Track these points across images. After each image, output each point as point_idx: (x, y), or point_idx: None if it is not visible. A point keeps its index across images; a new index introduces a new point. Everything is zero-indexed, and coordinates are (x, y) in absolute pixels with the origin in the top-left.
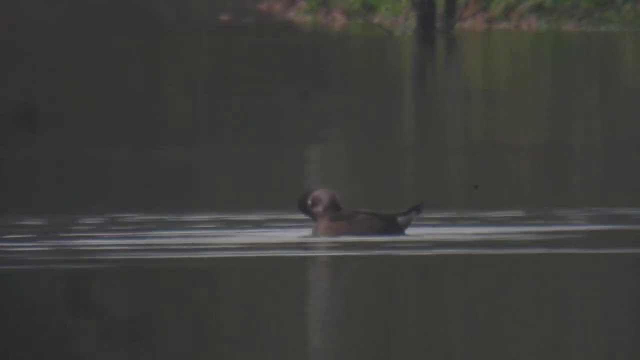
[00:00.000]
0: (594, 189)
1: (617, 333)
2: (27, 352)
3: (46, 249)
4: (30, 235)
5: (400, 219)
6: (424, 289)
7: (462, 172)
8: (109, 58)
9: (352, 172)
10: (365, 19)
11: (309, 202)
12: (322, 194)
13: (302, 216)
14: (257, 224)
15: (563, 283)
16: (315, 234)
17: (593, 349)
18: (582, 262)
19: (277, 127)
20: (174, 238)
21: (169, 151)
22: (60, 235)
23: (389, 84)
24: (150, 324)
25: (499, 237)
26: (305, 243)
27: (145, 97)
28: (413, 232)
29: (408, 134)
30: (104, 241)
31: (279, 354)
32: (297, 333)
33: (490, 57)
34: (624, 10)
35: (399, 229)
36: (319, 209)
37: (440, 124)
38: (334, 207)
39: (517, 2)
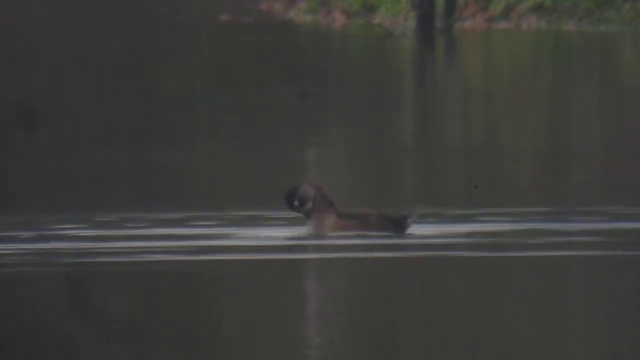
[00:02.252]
0: (594, 189)
1: (618, 335)
2: (28, 353)
3: (45, 250)
4: (29, 235)
5: (408, 220)
6: (424, 291)
7: (462, 172)
8: (109, 58)
9: (352, 172)
10: (365, 19)
11: (296, 203)
12: (307, 190)
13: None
14: (257, 225)
15: (563, 285)
16: (320, 231)
17: (594, 352)
18: (583, 263)
19: (276, 127)
20: (174, 240)
21: (168, 151)
22: (60, 236)
23: (388, 84)
24: (150, 325)
25: (499, 238)
26: (302, 245)
27: (144, 97)
28: (416, 233)
29: (408, 133)
30: (103, 243)
31: (278, 355)
32: (298, 334)
33: (490, 57)
34: (624, 10)
35: (404, 231)
36: (309, 205)
37: (440, 124)
38: (324, 200)
39: (517, 1)
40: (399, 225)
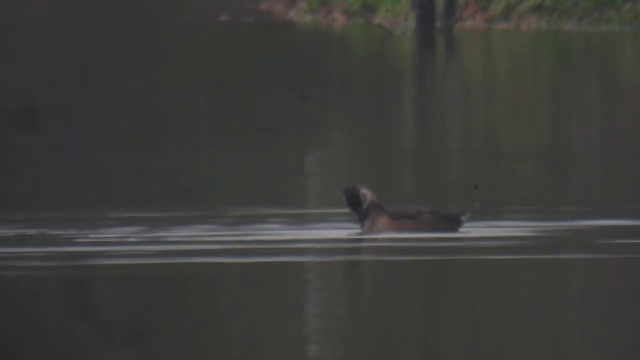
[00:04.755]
0: (594, 190)
1: (617, 337)
2: (28, 354)
3: (46, 252)
4: (29, 235)
5: (463, 218)
6: (427, 293)
7: (462, 172)
8: (109, 58)
9: (352, 172)
10: (365, 19)
11: (362, 197)
12: (368, 194)
13: (290, 214)
14: (260, 225)
15: (563, 286)
16: (374, 231)
17: (594, 354)
18: (583, 264)
19: (276, 128)
20: (181, 243)
21: (168, 152)
22: (60, 236)
23: (388, 84)
24: (150, 326)
25: (500, 241)
26: (356, 247)
27: (144, 97)
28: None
29: (408, 134)
30: (103, 247)
31: (279, 356)
32: (300, 336)
33: (490, 57)
34: (624, 10)
35: (458, 228)
36: (365, 207)
37: (440, 124)
38: (376, 205)
39: (517, 2)
40: (453, 223)
